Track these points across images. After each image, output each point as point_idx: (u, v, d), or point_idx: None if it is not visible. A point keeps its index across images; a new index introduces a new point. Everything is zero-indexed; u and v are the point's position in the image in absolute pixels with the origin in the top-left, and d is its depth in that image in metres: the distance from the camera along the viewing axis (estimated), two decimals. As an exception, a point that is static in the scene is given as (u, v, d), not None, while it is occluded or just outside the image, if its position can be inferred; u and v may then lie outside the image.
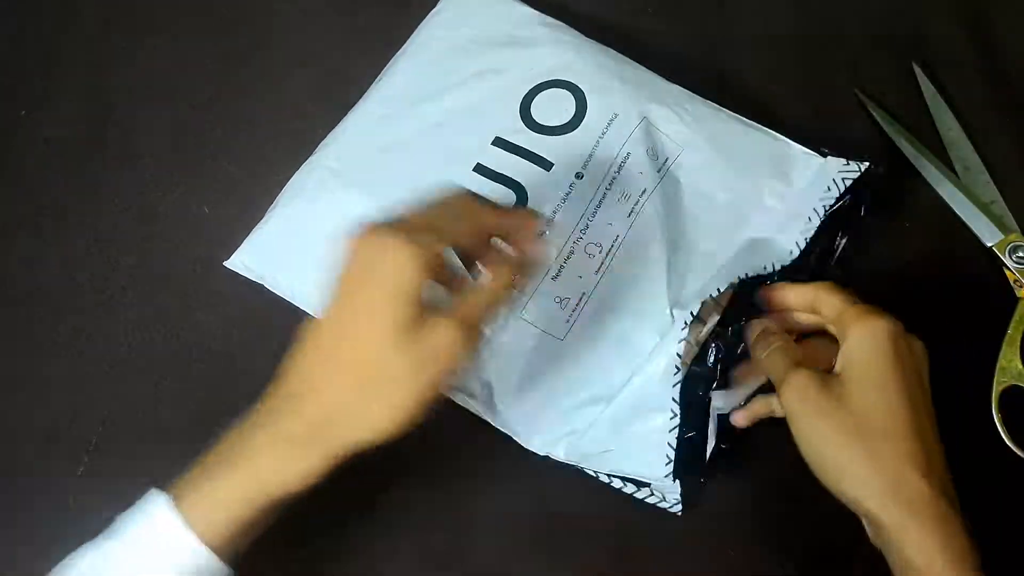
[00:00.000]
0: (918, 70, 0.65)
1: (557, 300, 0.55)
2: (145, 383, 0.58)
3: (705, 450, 0.53)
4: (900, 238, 0.61)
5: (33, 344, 0.59)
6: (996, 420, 0.56)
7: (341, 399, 0.43)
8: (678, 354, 0.51)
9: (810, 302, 0.51)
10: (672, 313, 0.53)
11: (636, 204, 0.56)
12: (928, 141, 0.63)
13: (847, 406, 0.46)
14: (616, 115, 0.59)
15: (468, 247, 0.46)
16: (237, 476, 0.43)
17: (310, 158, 0.61)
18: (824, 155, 0.58)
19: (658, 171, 0.57)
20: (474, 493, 0.55)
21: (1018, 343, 0.57)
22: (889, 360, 0.47)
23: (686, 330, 0.51)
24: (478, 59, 0.61)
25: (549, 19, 0.63)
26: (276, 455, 0.43)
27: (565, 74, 0.60)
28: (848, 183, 0.56)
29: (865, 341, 0.47)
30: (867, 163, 0.56)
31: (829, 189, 0.56)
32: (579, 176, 0.57)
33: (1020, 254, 0.59)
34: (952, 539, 0.44)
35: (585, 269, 0.56)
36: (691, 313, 0.52)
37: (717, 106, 0.60)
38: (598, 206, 0.57)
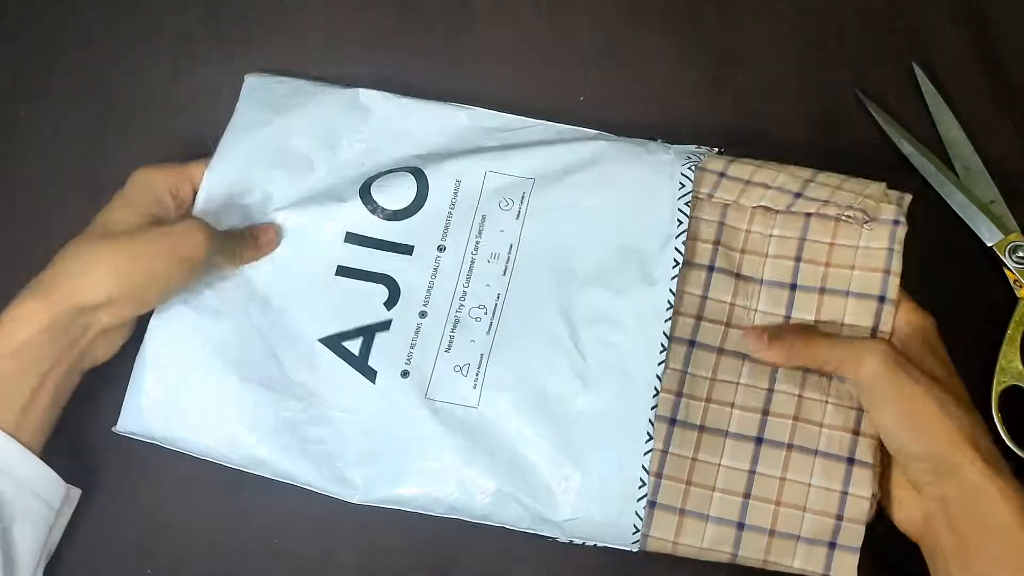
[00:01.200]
0: (918, 70, 0.64)
1: (456, 369, 0.55)
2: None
3: None
4: (900, 238, 0.61)
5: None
6: (996, 420, 0.56)
7: (72, 255, 0.51)
8: (651, 419, 0.53)
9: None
10: (577, 348, 0.55)
11: (508, 262, 0.57)
12: (928, 141, 0.63)
13: (922, 368, 0.50)
14: (459, 182, 0.59)
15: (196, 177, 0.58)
16: None
17: None
18: (667, 144, 0.59)
19: (517, 217, 0.58)
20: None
21: (1018, 343, 0.57)
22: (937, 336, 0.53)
23: (651, 442, 0.53)
24: (302, 158, 0.60)
25: (365, 93, 0.62)
26: (11, 305, 0.50)
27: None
28: (693, 171, 0.57)
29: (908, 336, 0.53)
30: (706, 149, 0.58)
31: (683, 185, 0.57)
32: (441, 249, 0.58)
33: (1020, 254, 0.59)
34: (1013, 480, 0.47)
35: (476, 333, 0.56)
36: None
37: (545, 122, 0.61)
38: (470, 273, 0.57)
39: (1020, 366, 0.57)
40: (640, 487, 0.52)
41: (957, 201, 0.61)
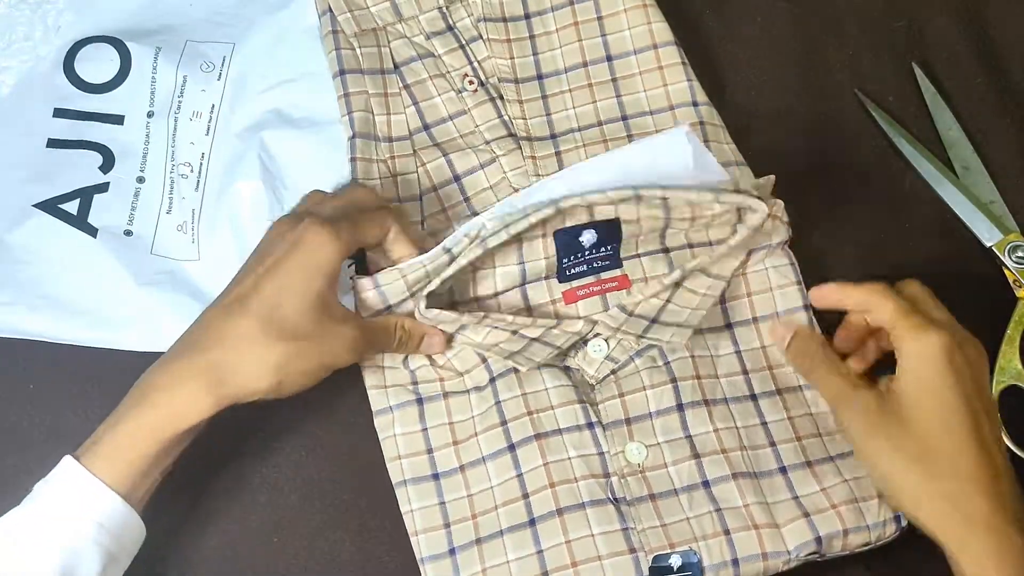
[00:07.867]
0: (918, 70, 0.65)
1: (178, 228, 0.59)
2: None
3: None
4: (900, 238, 0.61)
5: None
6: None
7: (242, 347, 0.47)
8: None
9: (864, 305, 0.51)
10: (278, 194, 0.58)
11: (210, 121, 0.61)
12: (928, 141, 0.63)
13: (907, 427, 0.47)
14: (159, 48, 0.61)
15: (371, 243, 0.51)
16: (133, 419, 0.47)
17: None
18: None
19: (219, 79, 0.61)
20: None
21: (1017, 343, 0.57)
22: (946, 378, 0.47)
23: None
24: None
25: None
26: (172, 392, 0.47)
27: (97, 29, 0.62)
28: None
29: (921, 359, 0.48)
30: None
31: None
32: (151, 115, 0.61)
33: (1020, 254, 0.59)
34: (1007, 554, 0.44)
35: (186, 190, 0.60)
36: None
37: None
38: (176, 132, 0.60)
39: (1019, 366, 0.57)
40: None
41: (957, 201, 0.61)
